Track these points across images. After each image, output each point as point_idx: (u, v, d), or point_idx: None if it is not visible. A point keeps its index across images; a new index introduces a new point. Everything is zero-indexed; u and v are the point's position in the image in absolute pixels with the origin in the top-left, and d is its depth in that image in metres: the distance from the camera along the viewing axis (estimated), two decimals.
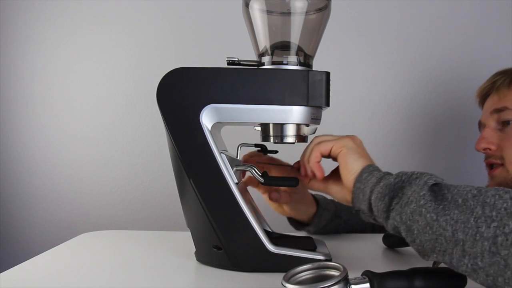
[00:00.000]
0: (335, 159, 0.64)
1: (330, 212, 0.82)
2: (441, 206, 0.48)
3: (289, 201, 0.76)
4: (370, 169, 0.60)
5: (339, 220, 0.85)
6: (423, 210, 0.48)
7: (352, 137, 0.65)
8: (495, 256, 0.42)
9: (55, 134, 1.21)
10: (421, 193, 0.50)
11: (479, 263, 0.43)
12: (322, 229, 0.83)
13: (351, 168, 0.61)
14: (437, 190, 0.51)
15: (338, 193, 0.65)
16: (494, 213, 0.43)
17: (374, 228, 0.90)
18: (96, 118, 1.21)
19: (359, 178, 0.60)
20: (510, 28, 1.16)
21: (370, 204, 0.57)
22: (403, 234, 0.52)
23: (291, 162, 0.75)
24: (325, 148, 0.64)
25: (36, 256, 0.72)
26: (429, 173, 0.54)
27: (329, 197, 0.74)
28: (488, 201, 0.44)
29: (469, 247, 0.44)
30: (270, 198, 0.75)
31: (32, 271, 0.65)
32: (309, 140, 0.67)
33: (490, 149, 0.85)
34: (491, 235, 0.42)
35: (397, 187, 0.54)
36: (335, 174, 0.66)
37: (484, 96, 0.91)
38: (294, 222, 0.84)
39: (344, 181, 0.62)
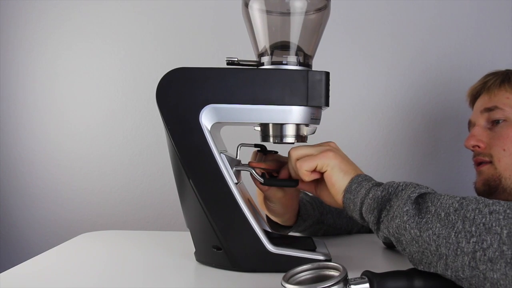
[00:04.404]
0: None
1: (311, 221, 0.81)
2: (424, 220, 0.50)
3: (270, 191, 0.72)
4: (359, 179, 0.60)
5: (322, 226, 0.84)
6: (407, 226, 0.50)
7: (331, 150, 0.63)
8: (475, 270, 0.45)
9: (55, 134, 1.21)
10: (405, 209, 0.51)
11: (461, 275, 0.46)
12: (301, 232, 0.84)
13: (339, 187, 0.61)
14: (421, 202, 0.52)
15: (329, 198, 0.65)
16: (473, 228, 0.46)
17: (361, 229, 0.90)
18: (96, 118, 1.21)
19: (349, 189, 0.60)
20: (510, 28, 1.16)
21: (361, 214, 0.59)
22: (394, 244, 0.54)
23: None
24: (309, 166, 0.62)
25: (36, 256, 0.72)
26: (414, 184, 0.55)
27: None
28: (468, 216, 0.47)
29: (451, 261, 0.47)
30: (258, 186, 0.71)
31: (32, 271, 0.65)
32: (309, 139, 0.67)
33: (479, 147, 0.86)
34: (471, 250, 0.45)
35: (384, 199, 0.56)
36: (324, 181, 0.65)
37: (475, 96, 0.93)
38: (273, 223, 0.81)
39: (334, 197, 0.63)
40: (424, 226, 0.49)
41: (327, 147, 0.64)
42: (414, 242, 0.50)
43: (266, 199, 0.74)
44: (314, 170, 0.63)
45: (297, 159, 0.63)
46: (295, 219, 0.78)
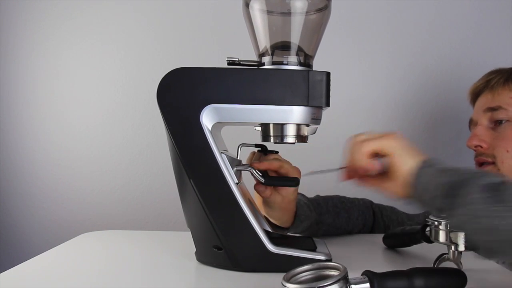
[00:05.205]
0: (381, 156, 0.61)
1: (309, 221, 0.80)
2: (499, 208, 0.47)
3: (270, 196, 0.72)
4: (431, 162, 0.57)
5: (321, 226, 0.83)
6: (480, 213, 0.48)
7: (396, 135, 0.60)
8: None
9: (55, 134, 1.21)
10: (479, 196, 0.49)
11: None
12: (300, 233, 0.82)
13: (406, 171, 0.57)
14: (494, 190, 0.49)
15: (391, 188, 0.61)
16: None
17: (361, 229, 0.89)
18: (96, 118, 1.21)
19: (419, 173, 0.56)
20: (510, 28, 1.16)
21: (433, 200, 0.55)
22: (468, 233, 0.52)
23: (292, 162, 0.75)
24: (371, 146, 0.59)
25: (36, 256, 0.72)
26: (490, 173, 0.53)
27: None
28: None
29: None
30: (255, 187, 0.71)
31: (32, 271, 0.65)
32: (309, 139, 0.67)
33: (481, 147, 0.85)
34: None
35: (457, 185, 0.52)
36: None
37: (477, 94, 0.91)
38: (271, 224, 0.79)
39: (398, 183, 0.59)
40: (499, 215, 0.47)
41: (391, 132, 0.61)
42: (488, 231, 0.47)
43: (264, 203, 0.74)
44: (375, 157, 0.59)
45: (358, 143, 0.60)
46: (292, 221, 0.78)
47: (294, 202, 0.77)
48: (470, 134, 0.90)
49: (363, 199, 0.93)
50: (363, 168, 0.60)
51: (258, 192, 0.72)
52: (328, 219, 0.84)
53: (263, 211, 0.76)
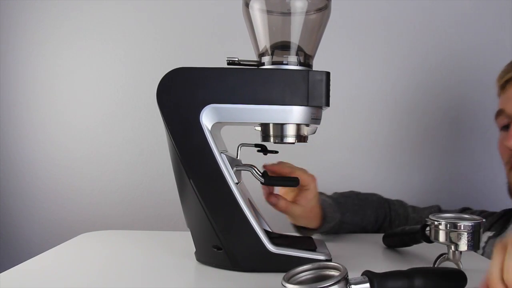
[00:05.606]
0: None
1: (334, 222, 0.82)
2: None
3: (284, 210, 0.74)
4: None
5: (342, 225, 0.84)
6: None
7: None
8: None
9: (55, 134, 1.21)
10: None
11: None
12: (326, 233, 0.84)
13: None
14: None
15: None
16: None
17: (374, 226, 0.90)
18: (96, 118, 1.21)
19: None
20: (510, 28, 1.15)
21: None
22: None
23: (292, 162, 0.75)
24: None
25: (36, 256, 0.72)
26: None
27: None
28: None
29: None
30: (268, 199, 0.74)
31: (32, 271, 0.65)
32: (309, 139, 0.67)
33: None
34: None
35: None
36: None
37: (507, 81, 0.80)
38: (298, 227, 0.82)
39: None
40: None
41: None
42: None
43: (287, 213, 0.75)
44: None
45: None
46: (320, 222, 0.79)
47: (317, 206, 0.77)
48: (499, 131, 0.80)
49: (375, 195, 0.93)
50: None
51: (271, 205, 0.73)
52: (348, 218, 0.85)
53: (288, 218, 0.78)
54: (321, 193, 0.84)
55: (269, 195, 0.73)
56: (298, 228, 0.82)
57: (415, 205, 0.98)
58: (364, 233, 0.90)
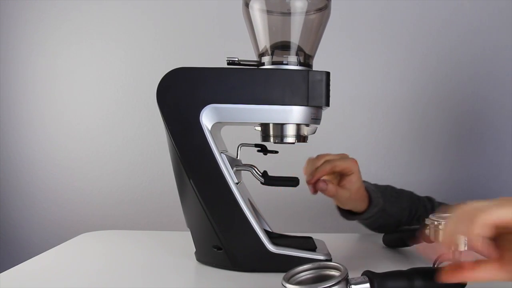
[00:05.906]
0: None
1: (378, 207, 0.82)
2: None
3: (334, 194, 0.75)
4: None
5: (382, 214, 0.84)
6: None
7: None
8: None
9: (55, 134, 1.21)
10: None
11: None
12: (369, 223, 0.84)
13: None
14: None
15: None
16: None
17: (407, 218, 0.88)
18: (96, 118, 1.21)
19: None
20: (510, 28, 1.16)
21: None
22: None
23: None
24: (492, 216, 0.41)
25: (36, 256, 0.72)
26: None
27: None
28: None
29: None
30: (317, 187, 0.74)
31: (32, 271, 0.65)
32: (309, 139, 0.67)
33: None
34: None
35: None
36: None
37: None
38: (343, 211, 0.83)
39: None
40: None
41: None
42: None
43: (336, 199, 0.76)
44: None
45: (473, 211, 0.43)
46: (366, 204, 0.80)
47: (362, 188, 0.78)
48: None
49: (408, 190, 0.93)
50: (481, 251, 0.44)
51: (322, 192, 0.74)
52: (388, 207, 0.84)
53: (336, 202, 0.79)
54: (364, 181, 0.84)
55: (318, 181, 0.74)
56: (344, 212, 0.83)
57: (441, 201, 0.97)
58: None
